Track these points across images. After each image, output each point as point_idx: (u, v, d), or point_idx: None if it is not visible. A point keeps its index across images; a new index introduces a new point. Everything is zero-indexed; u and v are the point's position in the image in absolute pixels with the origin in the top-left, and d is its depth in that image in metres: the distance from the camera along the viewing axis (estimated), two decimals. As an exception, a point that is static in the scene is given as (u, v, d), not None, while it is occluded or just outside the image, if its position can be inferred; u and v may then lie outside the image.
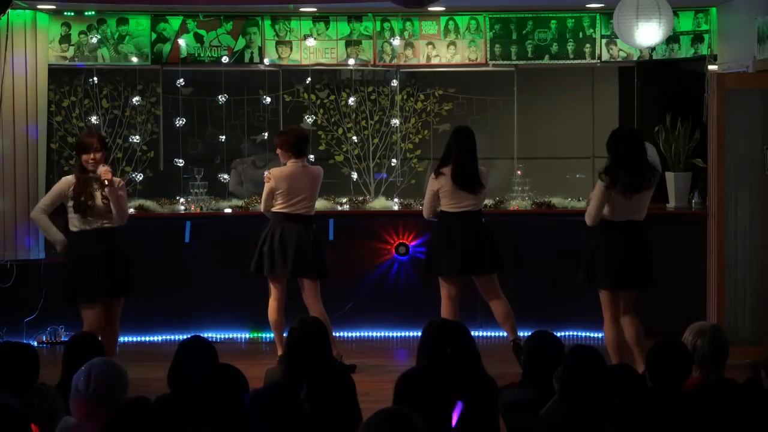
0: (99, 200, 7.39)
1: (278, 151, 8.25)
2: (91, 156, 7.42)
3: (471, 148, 8.07)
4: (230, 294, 9.16)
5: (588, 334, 9.37)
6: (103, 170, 7.36)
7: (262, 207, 8.24)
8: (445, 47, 9.96)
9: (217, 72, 9.87)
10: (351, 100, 9.99)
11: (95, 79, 9.67)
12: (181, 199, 9.49)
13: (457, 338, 5.01)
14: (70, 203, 7.42)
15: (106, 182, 7.35)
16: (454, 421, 4.21)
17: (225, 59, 9.76)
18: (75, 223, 7.43)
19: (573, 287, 8.59)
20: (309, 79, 9.99)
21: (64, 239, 7.50)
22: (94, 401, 4.36)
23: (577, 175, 11.22)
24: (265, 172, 8.30)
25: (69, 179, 7.53)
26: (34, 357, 5.02)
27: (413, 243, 9.30)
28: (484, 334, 9.15)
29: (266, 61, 9.85)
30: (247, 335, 9.39)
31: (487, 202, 9.11)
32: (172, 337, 9.05)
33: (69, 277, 7.44)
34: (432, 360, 4.88)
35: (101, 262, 7.39)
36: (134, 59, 9.68)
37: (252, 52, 9.86)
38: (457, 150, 8.06)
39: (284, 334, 7.81)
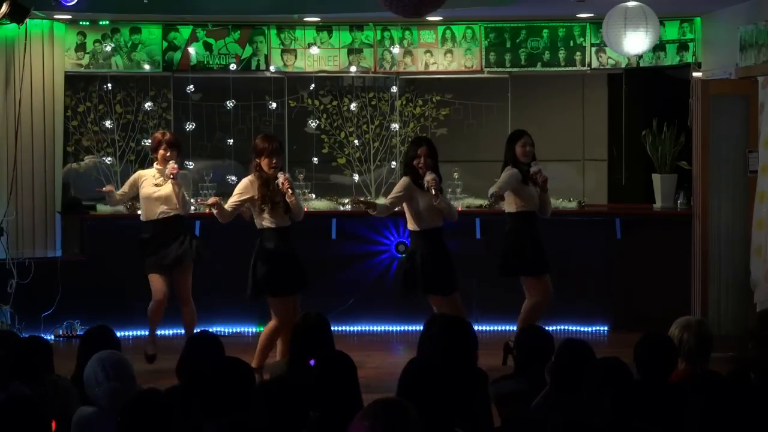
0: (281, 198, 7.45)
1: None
2: (273, 160, 7.45)
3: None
4: (238, 289, 9.15)
5: (579, 328, 9.49)
6: (283, 178, 7.41)
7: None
8: (442, 55, 10.11)
9: (226, 79, 9.98)
10: (353, 106, 10.14)
11: (109, 85, 9.83)
12: (191, 200, 9.66)
13: (460, 333, 5.14)
14: (264, 204, 7.45)
15: (289, 190, 7.40)
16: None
17: (233, 66, 9.94)
18: (268, 220, 7.50)
19: (564, 284, 8.60)
20: (313, 85, 10.16)
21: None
22: (114, 391, 4.48)
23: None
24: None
25: (251, 180, 7.52)
26: (46, 348, 5.07)
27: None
28: (479, 328, 9.24)
29: (272, 68, 10.03)
30: (254, 329, 9.36)
31: (483, 202, 9.26)
32: (182, 330, 8.82)
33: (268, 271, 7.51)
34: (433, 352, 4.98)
35: (289, 256, 7.55)
36: (146, 66, 9.87)
37: (258, 60, 10.03)
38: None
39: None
